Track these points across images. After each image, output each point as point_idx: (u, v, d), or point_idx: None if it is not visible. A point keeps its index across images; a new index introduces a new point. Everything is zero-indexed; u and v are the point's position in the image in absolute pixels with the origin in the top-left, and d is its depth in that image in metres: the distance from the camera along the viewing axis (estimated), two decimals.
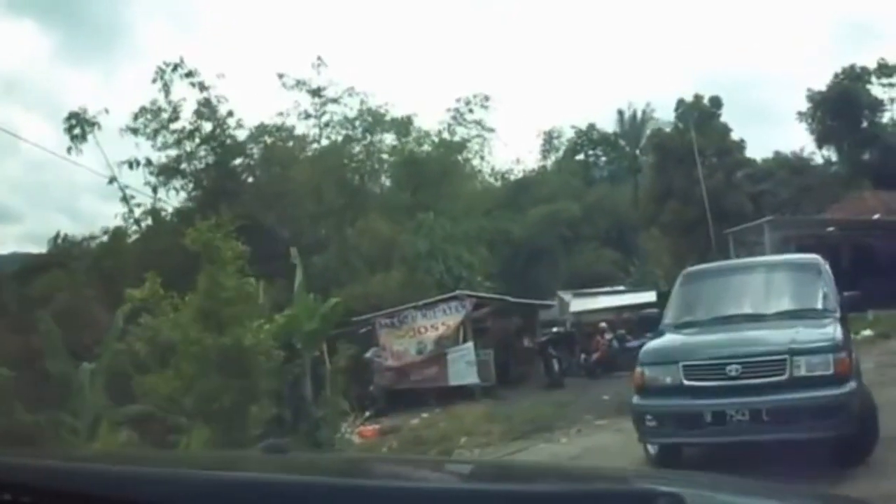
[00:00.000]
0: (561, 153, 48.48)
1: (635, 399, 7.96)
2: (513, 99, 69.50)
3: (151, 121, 29.67)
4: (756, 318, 8.21)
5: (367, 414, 15.79)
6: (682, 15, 70.93)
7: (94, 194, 49.10)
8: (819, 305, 8.19)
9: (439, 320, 19.75)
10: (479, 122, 34.37)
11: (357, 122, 33.20)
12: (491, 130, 34.80)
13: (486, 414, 14.87)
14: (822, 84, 40.29)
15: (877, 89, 40.23)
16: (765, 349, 7.38)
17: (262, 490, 1.45)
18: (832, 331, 7.50)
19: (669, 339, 8.32)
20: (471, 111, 34.07)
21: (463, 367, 19.06)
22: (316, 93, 32.25)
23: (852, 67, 39.95)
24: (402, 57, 61.86)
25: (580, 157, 50.69)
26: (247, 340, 9.43)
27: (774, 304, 8.48)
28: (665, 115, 42.31)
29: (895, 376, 12.26)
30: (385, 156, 34.32)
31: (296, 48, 62.40)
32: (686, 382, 7.48)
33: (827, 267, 8.79)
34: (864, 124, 39.62)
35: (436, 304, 20.17)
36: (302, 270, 16.25)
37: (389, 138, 34.07)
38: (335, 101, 32.52)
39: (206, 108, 29.56)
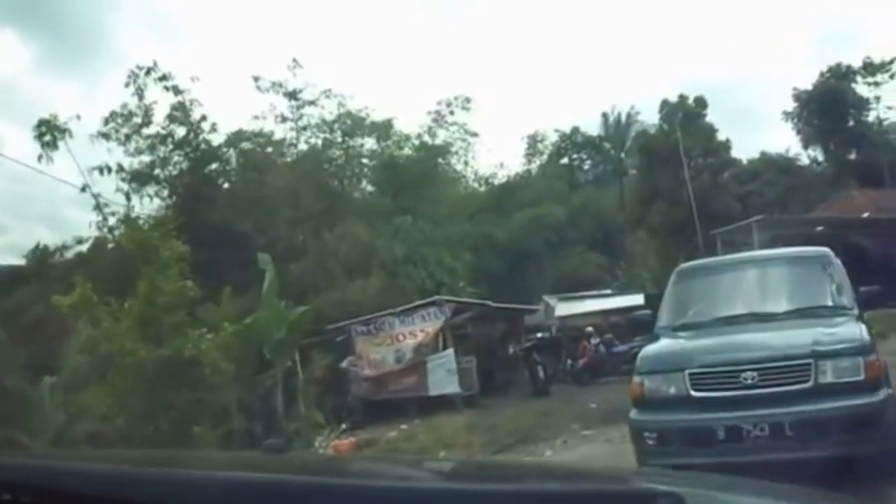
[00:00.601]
0: (545, 157, 48.29)
1: (633, 414, 6.91)
2: (496, 103, 69.05)
3: (122, 125, 28.72)
4: (765, 318, 7.23)
5: (343, 426, 15.05)
6: (666, 17, 70.73)
7: (74, 204, 47.94)
8: (834, 302, 7.31)
9: (418, 327, 18.90)
10: (461, 126, 33.80)
11: (336, 126, 32.53)
12: (474, 135, 34.25)
13: (467, 425, 14.34)
14: (807, 84, 40.12)
15: (862, 88, 40.16)
16: (785, 353, 6.39)
17: (261, 490, 1.44)
18: (858, 330, 6.57)
19: (669, 343, 7.32)
20: (452, 113, 33.49)
21: (443, 376, 18.24)
22: (292, 95, 31.51)
23: (838, 66, 39.85)
24: (382, 60, 61.14)
25: (564, 160, 50.48)
26: (188, 351, 8.34)
27: (785, 301, 7.52)
28: (650, 117, 42.13)
29: None
30: (365, 160, 33.62)
31: (272, 52, 61.61)
32: (693, 393, 6.50)
33: (838, 260, 7.92)
34: (851, 123, 39.44)
35: (414, 310, 19.33)
36: (272, 277, 15.43)
37: (370, 142, 33.44)
38: (312, 103, 31.83)
39: (180, 113, 28.66)
